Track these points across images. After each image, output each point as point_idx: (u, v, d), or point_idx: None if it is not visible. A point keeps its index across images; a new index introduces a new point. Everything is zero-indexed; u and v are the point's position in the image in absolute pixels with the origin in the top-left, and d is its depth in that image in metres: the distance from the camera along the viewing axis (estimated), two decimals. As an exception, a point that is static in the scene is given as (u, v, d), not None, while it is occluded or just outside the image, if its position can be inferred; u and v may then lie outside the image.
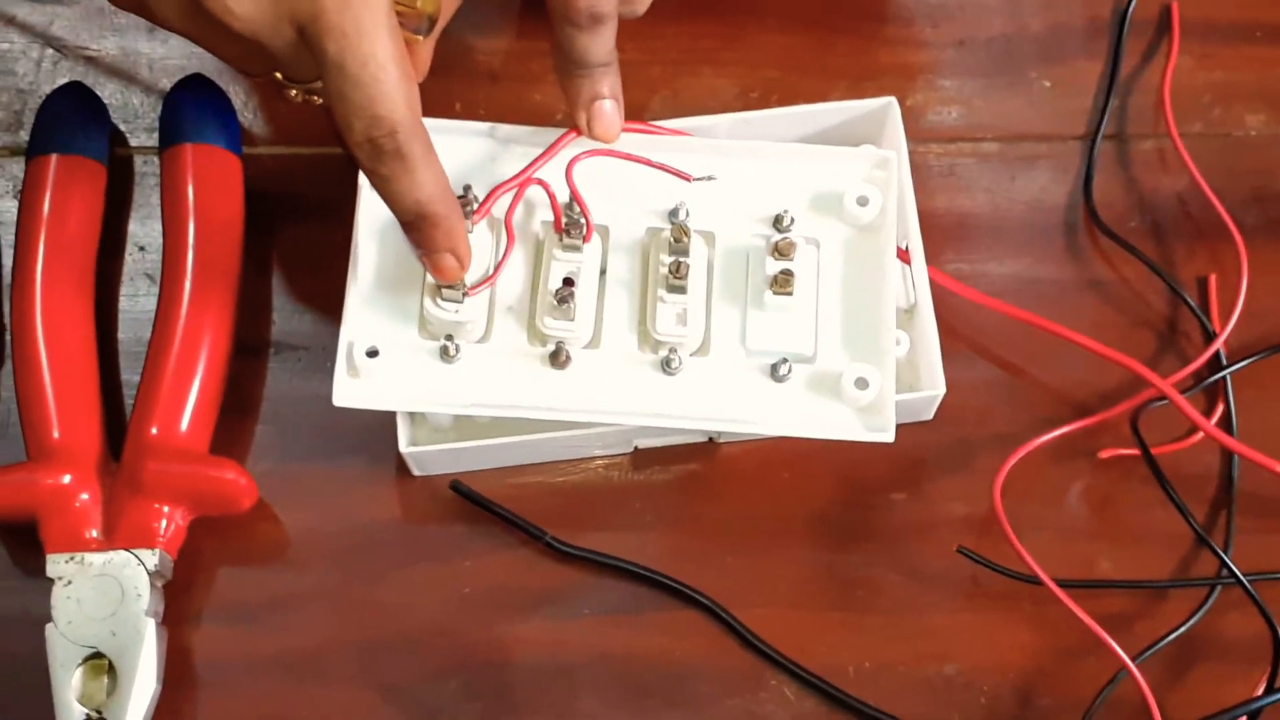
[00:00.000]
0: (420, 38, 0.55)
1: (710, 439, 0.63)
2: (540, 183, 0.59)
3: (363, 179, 0.60)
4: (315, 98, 0.54)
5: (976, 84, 0.69)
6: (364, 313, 0.58)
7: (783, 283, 0.58)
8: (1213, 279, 0.66)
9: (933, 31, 0.70)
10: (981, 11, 0.70)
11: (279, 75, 0.53)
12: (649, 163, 0.59)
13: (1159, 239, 0.67)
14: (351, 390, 0.57)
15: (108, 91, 0.67)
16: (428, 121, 0.59)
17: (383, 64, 0.50)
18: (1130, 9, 0.70)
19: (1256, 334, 0.65)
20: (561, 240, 0.59)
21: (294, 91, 0.54)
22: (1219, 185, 0.66)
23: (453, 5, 0.57)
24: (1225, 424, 0.64)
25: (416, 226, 0.54)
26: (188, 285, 0.61)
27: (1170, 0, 0.70)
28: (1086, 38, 0.70)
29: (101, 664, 0.57)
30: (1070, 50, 0.70)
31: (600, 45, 0.55)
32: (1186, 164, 0.67)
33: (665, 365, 0.58)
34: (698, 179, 0.59)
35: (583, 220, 0.58)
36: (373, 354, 0.57)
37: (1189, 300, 0.65)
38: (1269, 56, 0.69)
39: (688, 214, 0.60)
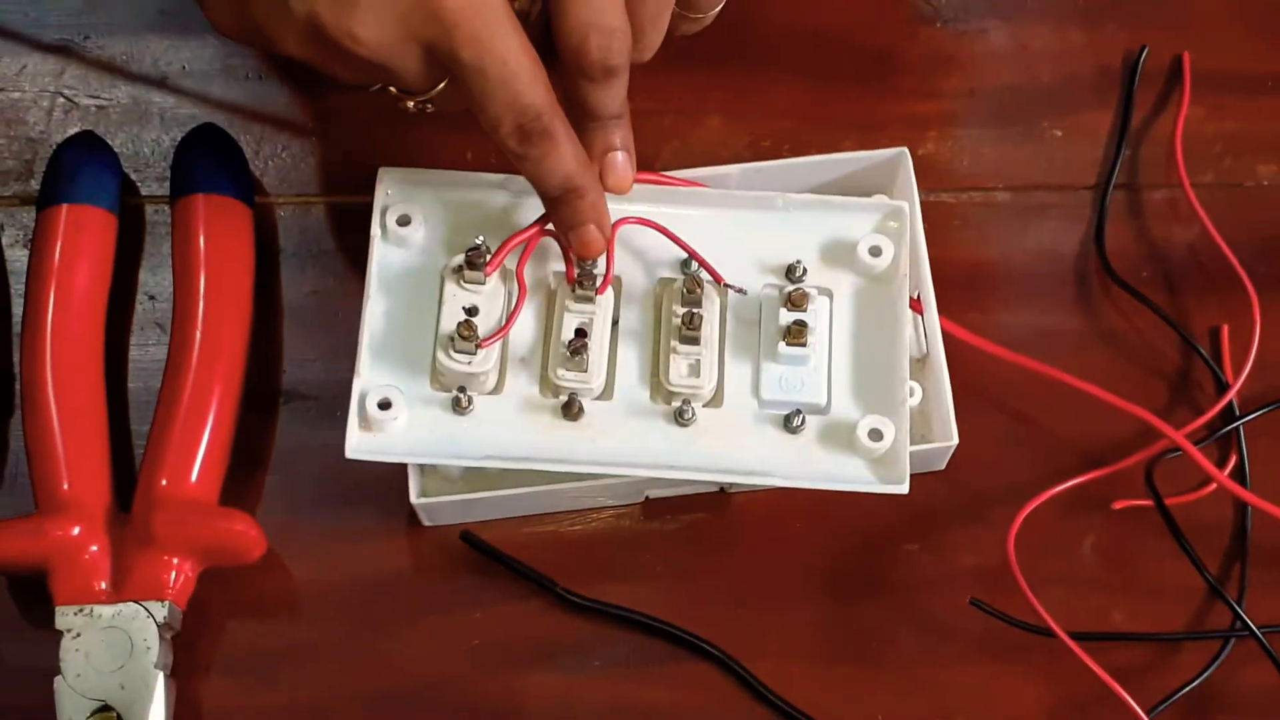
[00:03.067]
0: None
1: (722, 489, 0.62)
2: (553, 234, 0.59)
3: (375, 229, 0.60)
4: (428, 106, 0.56)
5: (988, 134, 0.69)
6: (376, 364, 0.58)
7: (796, 334, 0.58)
8: (1225, 329, 0.65)
9: (944, 82, 0.70)
10: (992, 61, 0.70)
11: (393, 89, 0.56)
12: (692, 252, 0.59)
13: (1171, 289, 0.66)
14: (364, 442, 0.57)
15: (119, 141, 0.67)
16: (440, 173, 0.60)
17: (518, 58, 0.53)
18: (1142, 59, 0.70)
19: (1270, 385, 0.64)
20: (574, 291, 0.59)
21: (410, 103, 0.56)
22: (1231, 235, 0.66)
23: None
24: (1239, 475, 0.63)
25: (565, 201, 0.56)
26: (198, 335, 0.61)
27: (1182, 51, 0.70)
28: (1097, 88, 0.70)
29: (110, 717, 0.57)
30: (1081, 100, 0.70)
31: (613, 97, 0.55)
32: (1198, 214, 0.67)
33: (678, 416, 0.58)
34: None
35: (595, 271, 0.58)
36: (385, 406, 0.57)
37: (1201, 351, 0.65)
38: (1281, 107, 0.70)
39: (700, 265, 0.60)
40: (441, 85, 0.55)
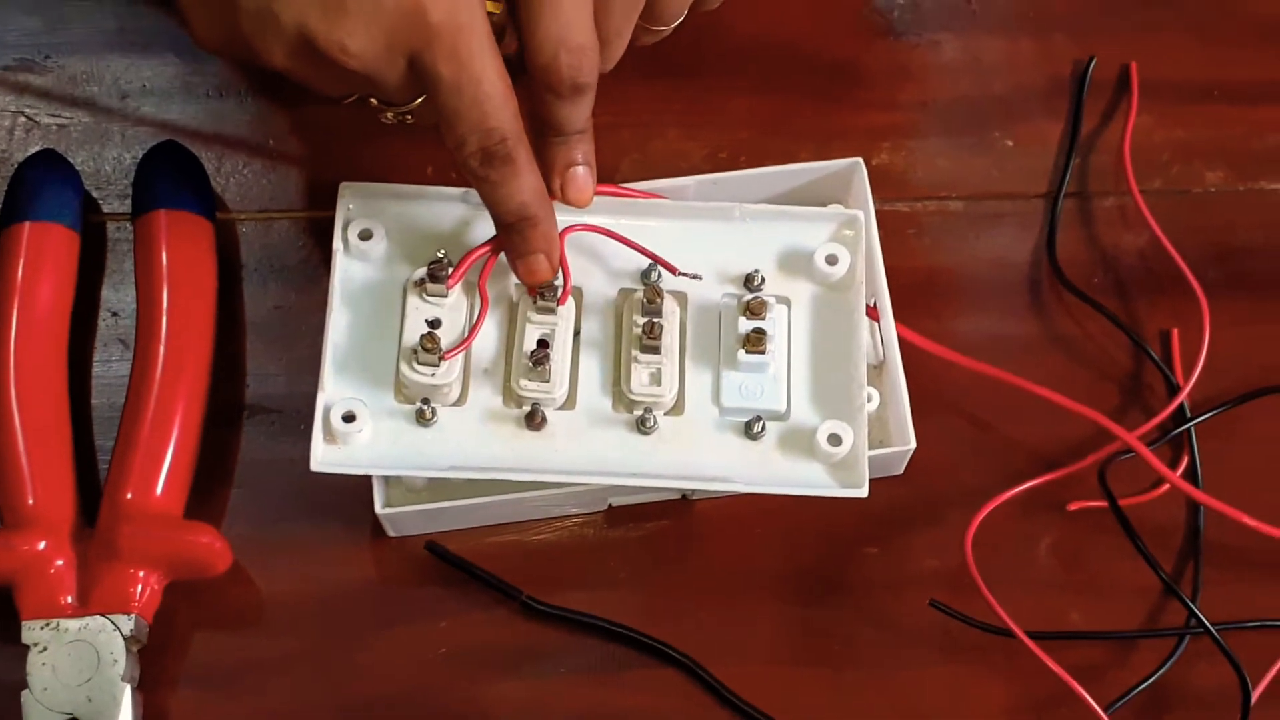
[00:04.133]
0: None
1: (684, 496, 0.63)
2: (512, 249, 0.59)
3: (337, 243, 0.60)
4: (408, 118, 0.57)
5: (941, 144, 0.70)
6: (340, 377, 0.59)
7: (755, 342, 0.59)
8: (1175, 333, 0.67)
9: (898, 93, 0.71)
10: (945, 73, 0.71)
11: (374, 101, 0.56)
12: (642, 250, 0.60)
13: (1122, 294, 0.68)
14: (329, 455, 0.58)
15: (80, 159, 0.67)
16: (401, 188, 0.61)
17: (493, 81, 0.53)
18: (1090, 69, 0.71)
19: (1219, 387, 0.66)
20: (536, 303, 0.59)
21: (390, 114, 0.57)
22: (1180, 241, 0.67)
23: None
24: (1190, 475, 0.64)
25: (518, 229, 0.57)
26: (161, 350, 0.61)
27: (1129, 60, 0.71)
28: (1047, 98, 0.71)
29: (78, 731, 0.57)
30: (1032, 110, 0.71)
31: (579, 114, 0.56)
32: (1148, 221, 0.68)
33: (640, 425, 0.59)
34: (683, 274, 0.60)
35: (556, 283, 0.59)
36: (349, 419, 0.58)
37: (1152, 354, 0.66)
38: (1226, 115, 0.71)
39: (660, 275, 0.61)
40: (422, 99, 0.55)
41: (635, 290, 0.61)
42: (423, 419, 0.58)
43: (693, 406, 0.60)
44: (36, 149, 0.66)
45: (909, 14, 0.72)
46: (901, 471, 0.63)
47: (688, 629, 0.61)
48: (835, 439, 0.58)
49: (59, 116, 0.69)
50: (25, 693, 0.57)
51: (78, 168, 0.66)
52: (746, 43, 0.70)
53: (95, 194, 0.67)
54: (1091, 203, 0.69)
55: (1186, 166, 0.70)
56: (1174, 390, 0.65)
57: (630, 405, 0.59)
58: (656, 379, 0.59)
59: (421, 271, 0.59)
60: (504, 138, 0.54)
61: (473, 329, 0.59)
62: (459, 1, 0.53)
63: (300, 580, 0.62)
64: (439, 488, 0.61)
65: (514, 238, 0.57)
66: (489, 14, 0.55)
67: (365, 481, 0.60)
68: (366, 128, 0.60)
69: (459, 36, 0.53)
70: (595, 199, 0.59)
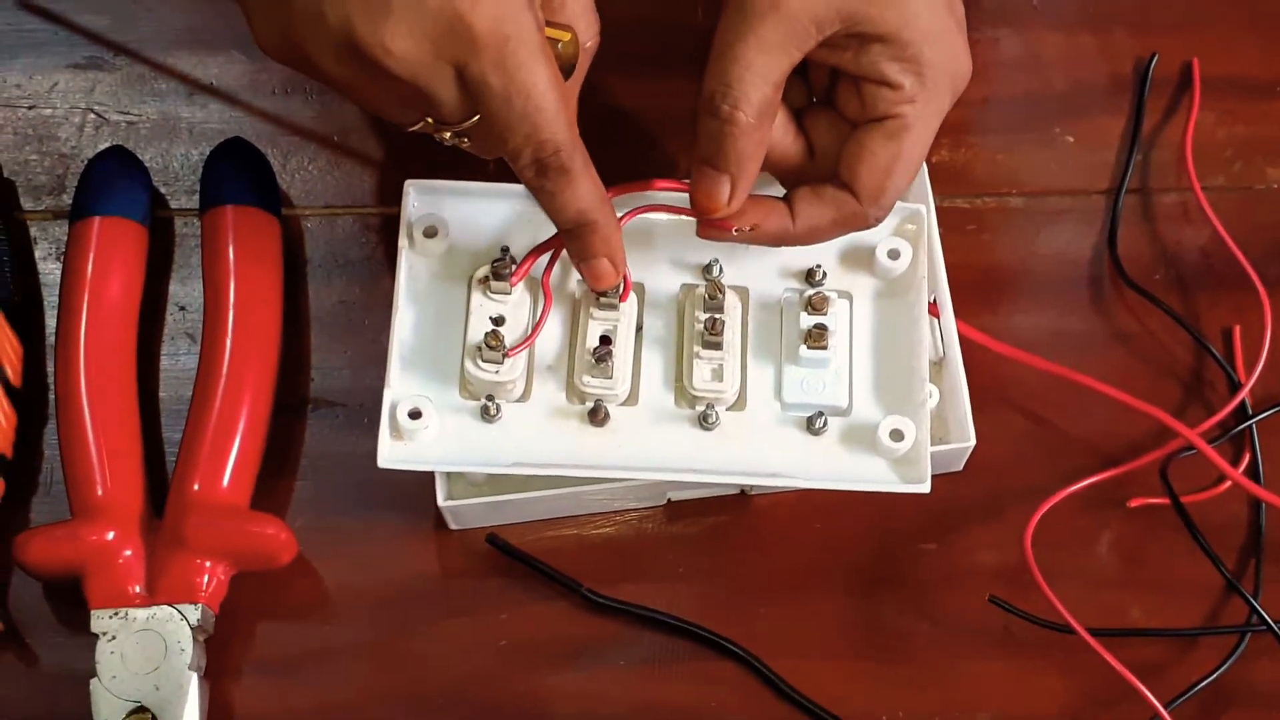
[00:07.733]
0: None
1: (743, 491, 0.63)
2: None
3: (402, 240, 0.61)
4: (464, 141, 0.56)
5: (1001, 140, 0.70)
6: (406, 374, 0.59)
7: (817, 337, 0.59)
8: (1237, 330, 0.66)
9: (958, 90, 0.71)
10: (1006, 69, 0.71)
11: (430, 120, 0.55)
12: (682, 210, 0.59)
13: (1183, 291, 0.67)
14: (395, 452, 0.58)
15: (148, 155, 0.68)
16: (465, 184, 0.61)
17: (544, 92, 0.52)
18: (1152, 66, 0.71)
19: (1282, 384, 0.66)
20: (598, 299, 0.60)
21: (447, 135, 0.56)
22: (1242, 238, 0.67)
23: (587, 59, 0.58)
24: (1252, 473, 0.64)
25: (577, 234, 0.56)
26: (228, 344, 0.62)
27: (1191, 57, 0.71)
28: (1109, 94, 0.71)
29: (145, 718, 0.58)
30: (1093, 106, 0.71)
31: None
32: (1209, 217, 0.68)
33: (702, 420, 0.59)
34: (724, 219, 0.59)
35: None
36: (415, 415, 0.58)
37: (1214, 351, 0.66)
38: (1289, 112, 0.71)
39: (721, 270, 0.61)
40: (477, 118, 0.54)
41: (697, 286, 0.61)
42: (487, 415, 0.59)
43: (755, 402, 0.60)
44: (106, 145, 0.67)
45: (970, 10, 0.71)
46: (961, 468, 0.63)
47: (746, 623, 0.62)
48: (897, 434, 0.58)
49: (128, 114, 0.70)
50: (94, 681, 0.58)
51: (146, 164, 0.67)
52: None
53: (163, 190, 0.68)
54: (1153, 199, 0.69)
55: (1248, 163, 0.70)
56: (1235, 387, 0.65)
57: (692, 401, 0.60)
58: (719, 374, 0.59)
59: (485, 269, 0.60)
60: (557, 149, 0.54)
61: (536, 326, 0.60)
62: (505, 12, 0.51)
63: (363, 572, 0.62)
64: (500, 481, 0.62)
65: (575, 243, 0.57)
66: (555, 42, 0.54)
67: (427, 474, 0.60)
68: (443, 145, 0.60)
69: (505, 47, 0.52)
70: (659, 194, 0.59)
